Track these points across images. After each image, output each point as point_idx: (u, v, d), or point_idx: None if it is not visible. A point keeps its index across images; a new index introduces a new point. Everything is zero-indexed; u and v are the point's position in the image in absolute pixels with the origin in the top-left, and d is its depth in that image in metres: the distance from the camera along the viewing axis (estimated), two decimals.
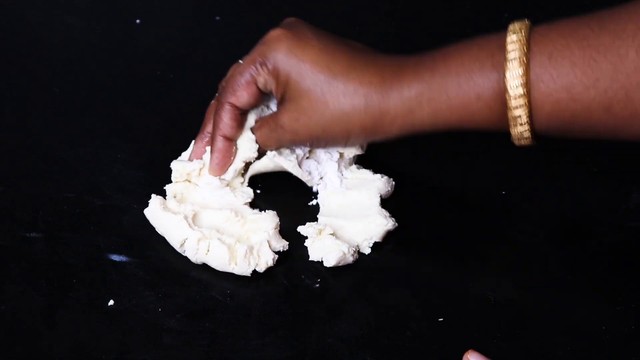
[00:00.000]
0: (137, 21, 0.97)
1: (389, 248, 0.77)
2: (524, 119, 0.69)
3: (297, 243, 0.78)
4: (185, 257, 0.76)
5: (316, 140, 0.76)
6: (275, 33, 0.76)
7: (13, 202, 0.81)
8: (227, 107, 0.77)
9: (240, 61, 0.77)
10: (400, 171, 0.82)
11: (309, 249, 0.76)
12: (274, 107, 0.80)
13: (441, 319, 0.73)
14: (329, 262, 0.75)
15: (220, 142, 0.78)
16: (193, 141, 0.81)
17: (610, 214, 0.78)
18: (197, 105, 0.88)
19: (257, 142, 0.78)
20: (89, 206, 0.80)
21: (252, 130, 0.79)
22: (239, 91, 0.77)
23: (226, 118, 0.78)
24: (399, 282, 0.75)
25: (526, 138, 0.70)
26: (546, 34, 0.69)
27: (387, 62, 0.74)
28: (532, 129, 0.70)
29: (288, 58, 0.74)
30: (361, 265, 0.76)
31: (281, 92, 0.75)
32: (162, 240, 0.78)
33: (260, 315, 0.73)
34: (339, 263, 0.76)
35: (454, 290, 0.74)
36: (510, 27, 0.70)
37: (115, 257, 0.77)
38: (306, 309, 0.74)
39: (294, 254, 0.77)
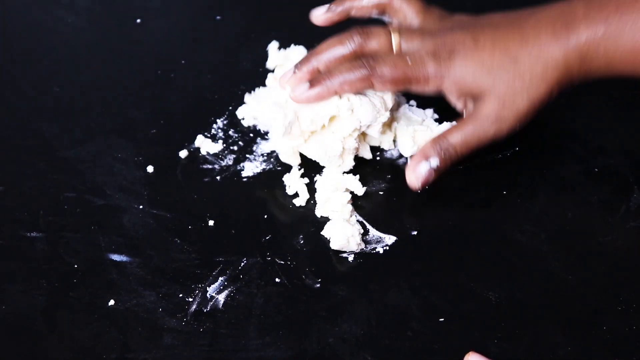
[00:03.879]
0: (138, 21, 0.97)
1: (389, 248, 0.77)
2: None
3: (297, 242, 0.78)
4: (186, 257, 0.76)
5: (525, 115, 0.78)
6: (436, 55, 0.78)
7: (14, 201, 0.81)
8: (366, 84, 0.79)
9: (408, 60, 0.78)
10: (400, 171, 0.82)
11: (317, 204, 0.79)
12: None
13: (442, 319, 0.73)
14: (334, 245, 0.77)
15: (331, 86, 0.79)
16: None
17: (611, 214, 0.78)
18: (198, 104, 0.88)
19: (450, 145, 0.78)
20: (90, 206, 0.80)
21: (441, 136, 0.78)
22: (392, 85, 0.79)
23: (359, 84, 0.79)
24: (399, 282, 0.75)
25: None
26: None
27: (551, 17, 0.77)
28: None
29: (466, 70, 0.77)
30: (362, 265, 0.76)
31: (467, 92, 0.78)
32: (163, 239, 0.78)
33: (260, 315, 0.73)
34: (342, 248, 0.76)
35: (454, 290, 0.74)
36: None
37: (116, 257, 0.77)
38: (307, 309, 0.74)
39: (294, 253, 0.77)
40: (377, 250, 0.77)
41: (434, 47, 0.78)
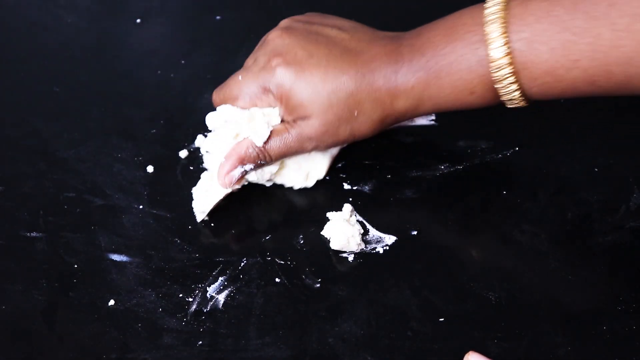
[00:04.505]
0: (138, 21, 0.97)
1: (389, 248, 0.77)
2: (517, 99, 0.73)
3: (297, 242, 0.78)
4: (186, 257, 0.76)
5: (345, 142, 0.79)
6: (268, 65, 0.77)
7: (13, 201, 0.81)
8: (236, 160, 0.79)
9: (239, 77, 0.79)
10: (400, 171, 0.82)
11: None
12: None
13: (442, 319, 0.73)
14: (334, 245, 0.77)
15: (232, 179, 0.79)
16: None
17: (611, 214, 0.78)
18: (198, 104, 0.88)
19: (266, 153, 0.78)
20: (90, 206, 0.80)
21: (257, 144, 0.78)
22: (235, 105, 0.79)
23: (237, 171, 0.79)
24: (399, 282, 0.75)
25: (521, 105, 0.74)
26: (523, 18, 0.71)
27: (384, 58, 0.76)
28: (526, 100, 0.74)
29: (296, 84, 0.76)
30: (362, 265, 0.76)
31: (293, 114, 0.77)
32: (163, 239, 0.78)
33: (260, 314, 0.73)
34: (342, 248, 0.76)
35: (454, 290, 0.74)
36: (487, 12, 0.72)
37: (116, 257, 0.77)
38: (307, 309, 0.74)
39: (294, 253, 0.77)
40: (377, 250, 0.77)
41: (264, 58, 0.78)
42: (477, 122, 0.84)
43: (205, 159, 0.82)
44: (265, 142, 0.77)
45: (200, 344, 0.72)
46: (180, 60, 0.93)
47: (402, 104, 0.76)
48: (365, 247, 0.77)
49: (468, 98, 0.74)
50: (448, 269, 0.76)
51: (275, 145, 0.78)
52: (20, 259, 0.77)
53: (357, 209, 0.80)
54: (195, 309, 0.74)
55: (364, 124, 0.77)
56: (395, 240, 0.78)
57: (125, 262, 0.77)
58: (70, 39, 0.96)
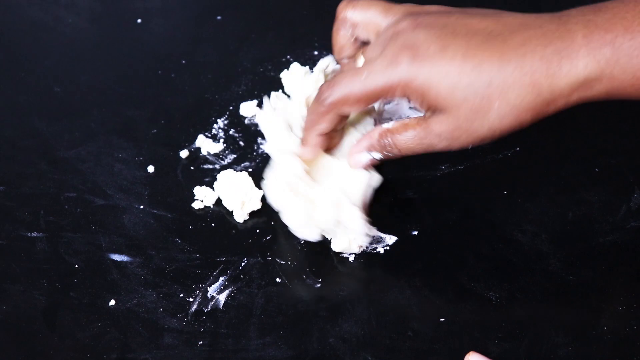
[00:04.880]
0: (138, 21, 0.97)
1: (389, 248, 0.77)
2: None
3: (298, 242, 0.78)
4: (186, 257, 0.77)
5: (481, 141, 0.70)
6: (398, 59, 0.69)
7: (14, 201, 0.81)
8: (332, 115, 0.73)
9: (364, 73, 0.71)
10: (401, 171, 0.82)
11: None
12: None
13: (442, 319, 0.73)
14: (335, 247, 0.77)
15: (314, 139, 0.75)
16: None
17: (612, 214, 0.78)
18: (198, 104, 0.88)
19: (395, 146, 0.73)
20: (90, 206, 0.80)
21: (387, 132, 0.73)
22: (355, 106, 0.72)
23: (328, 123, 0.74)
24: (400, 282, 0.75)
25: None
26: None
27: (543, 38, 0.67)
28: None
29: (430, 79, 0.68)
30: (362, 265, 0.76)
31: (429, 105, 0.70)
32: (163, 239, 0.78)
33: (261, 315, 0.73)
34: (344, 251, 0.76)
35: (454, 290, 0.75)
36: None
37: (116, 257, 0.77)
38: (307, 309, 0.74)
39: (295, 253, 0.77)
40: (377, 250, 0.77)
41: (393, 52, 0.69)
42: None
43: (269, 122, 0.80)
44: (395, 135, 0.73)
45: (201, 344, 0.72)
46: (181, 60, 0.93)
47: (567, 85, 0.67)
48: (366, 247, 0.77)
49: None
50: (448, 269, 0.76)
51: (404, 139, 0.72)
52: (21, 259, 0.77)
53: None
54: (195, 309, 0.74)
55: (507, 116, 0.68)
56: (396, 240, 0.78)
57: (126, 262, 0.77)
58: (71, 39, 0.96)
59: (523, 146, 0.84)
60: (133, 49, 0.95)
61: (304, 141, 0.76)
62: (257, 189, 0.80)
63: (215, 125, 0.86)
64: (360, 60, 0.77)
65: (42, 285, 0.75)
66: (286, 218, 0.77)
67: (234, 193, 0.79)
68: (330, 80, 0.73)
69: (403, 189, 0.81)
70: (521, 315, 0.73)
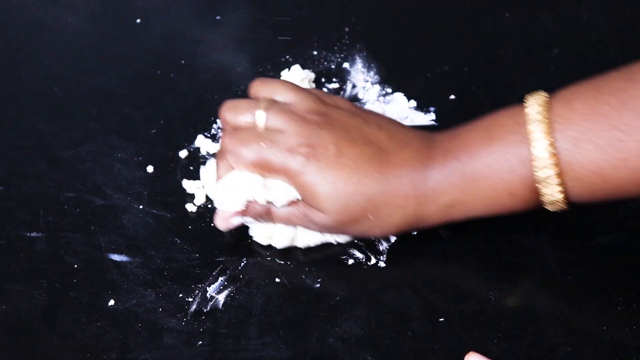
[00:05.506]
0: (138, 21, 0.97)
1: (389, 248, 0.77)
2: (560, 204, 0.71)
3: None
4: (186, 257, 0.76)
5: (350, 235, 0.77)
6: (295, 150, 0.73)
7: (14, 201, 0.81)
8: (224, 165, 0.76)
9: (262, 144, 0.74)
10: None
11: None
12: None
13: (442, 319, 0.73)
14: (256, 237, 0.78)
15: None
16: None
17: (611, 214, 0.78)
18: (198, 104, 0.88)
19: (273, 216, 0.76)
20: (90, 206, 0.80)
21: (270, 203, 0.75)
22: (248, 168, 0.75)
23: (222, 171, 0.76)
24: (399, 282, 0.75)
25: (562, 209, 0.72)
26: (567, 117, 0.69)
27: (414, 163, 0.73)
28: (568, 204, 0.71)
29: (318, 180, 0.72)
30: (361, 265, 0.76)
31: (309, 202, 0.74)
32: (163, 239, 0.78)
33: (260, 315, 0.73)
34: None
35: (454, 290, 0.74)
36: (528, 111, 0.70)
37: (116, 257, 0.77)
38: (307, 309, 0.74)
39: (295, 253, 0.77)
40: (377, 250, 0.77)
41: (296, 141, 0.73)
42: None
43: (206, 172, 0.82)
44: (274, 209, 0.75)
45: (201, 344, 0.72)
46: (180, 61, 0.93)
47: (429, 211, 0.73)
48: (366, 247, 0.77)
49: (506, 201, 0.72)
50: (448, 269, 0.76)
51: (282, 212, 0.75)
52: (21, 259, 0.77)
53: None
54: (195, 309, 0.74)
55: (376, 228, 0.74)
56: (395, 240, 0.78)
57: (126, 262, 0.77)
58: (71, 39, 0.96)
59: None
60: (133, 49, 0.95)
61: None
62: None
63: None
64: (259, 116, 0.76)
65: (42, 285, 0.75)
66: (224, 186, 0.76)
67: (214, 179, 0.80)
68: (233, 133, 0.75)
69: None
70: (521, 315, 0.73)
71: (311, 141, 0.73)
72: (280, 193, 0.74)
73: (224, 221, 0.76)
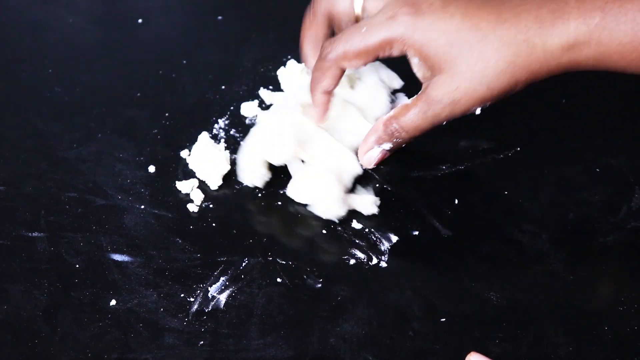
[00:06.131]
0: (139, 21, 0.97)
1: (390, 248, 0.77)
2: None
3: (299, 242, 0.78)
4: (187, 257, 0.77)
5: (481, 102, 0.72)
6: (397, 15, 0.71)
7: (15, 201, 0.81)
8: (334, 70, 0.74)
9: (363, 28, 0.72)
10: (402, 171, 0.82)
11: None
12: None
13: (443, 319, 0.73)
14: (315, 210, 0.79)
15: (320, 97, 0.77)
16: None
17: (613, 214, 0.78)
18: (199, 104, 0.88)
19: (401, 129, 0.74)
20: (91, 206, 0.80)
21: (391, 119, 0.74)
22: (354, 60, 0.73)
23: (330, 78, 0.75)
24: (400, 282, 0.75)
25: None
26: None
27: (537, 1, 0.70)
28: None
29: (429, 34, 0.70)
30: (362, 265, 0.76)
31: (426, 60, 0.71)
32: (164, 239, 0.78)
33: (262, 314, 0.73)
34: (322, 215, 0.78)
35: (455, 290, 0.75)
36: None
37: (117, 257, 0.77)
38: (308, 309, 0.74)
39: (295, 253, 0.77)
40: (378, 250, 0.77)
41: (394, 6, 0.71)
42: (479, 122, 0.84)
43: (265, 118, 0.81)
44: (399, 118, 0.74)
45: (202, 344, 0.72)
46: (182, 60, 0.93)
47: (558, 46, 0.69)
48: (366, 247, 0.77)
49: None
50: (449, 269, 0.76)
51: (409, 119, 0.73)
52: (22, 259, 0.77)
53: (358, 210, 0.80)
54: (196, 309, 0.74)
55: (503, 73, 0.70)
56: (396, 240, 0.78)
57: (127, 262, 0.77)
58: (71, 39, 0.96)
59: (524, 146, 0.84)
60: (133, 49, 0.95)
61: (312, 102, 0.77)
62: (226, 151, 0.82)
63: (216, 125, 0.86)
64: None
65: (43, 285, 0.75)
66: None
67: (203, 160, 0.80)
68: (332, 38, 0.74)
69: (404, 188, 0.81)
70: (522, 316, 0.73)
71: (411, 1, 0.71)
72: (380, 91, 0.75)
73: (362, 155, 0.77)
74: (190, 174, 0.82)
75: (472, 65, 0.70)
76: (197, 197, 0.81)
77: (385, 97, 0.82)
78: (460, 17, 0.70)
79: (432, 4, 0.71)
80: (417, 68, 0.74)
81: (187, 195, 0.81)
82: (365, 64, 0.74)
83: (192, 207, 0.80)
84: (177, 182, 0.82)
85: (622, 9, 0.68)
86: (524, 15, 0.69)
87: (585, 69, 0.71)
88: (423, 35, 0.70)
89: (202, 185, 0.81)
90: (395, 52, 0.72)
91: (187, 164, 0.83)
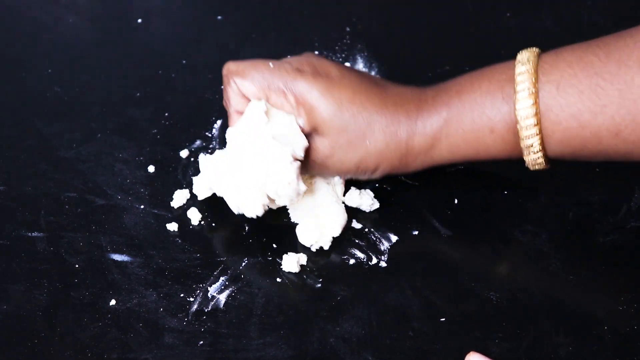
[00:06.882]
0: (139, 21, 0.97)
1: (390, 248, 0.77)
2: (537, 147, 0.72)
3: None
4: (187, 257, 0.77)
5: (344, 174, 0.78)
6: (302, 69, 0.75)
7: (15, 201, 0.81)
8: (232, 92, 0.77)
9: (270, 64, 0.75)
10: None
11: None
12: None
13: (443, 319, 0.73)
14: (303, 240, 0.77)
15: (234, 116, 0.78)
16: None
17: (613, 214, 0.78)
18: (199, 104, 0.88)
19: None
20: (91, 205, 0.80)
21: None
22: (250, 87, 0.76)
23: (229, 100, 0.77)
24: (400, 282, 0.75)
25: (540, 163, 0.73)
26: (554, 64, 0.71)
27: (409, 96, 0.76)
28: (545, 155, 0.72)
29: (324, 97, 0.74)
30: (362, 265, 0.76)
31: (312, 122, 0.75)
32: (164, 239, 0.78)
33: (261, 314, 0.73)
34: (313, 245, 0.77)
35: (455, 290, 0.75)
36: (519, 57, 0.72)
37: (117, 257, 0.77)
38: (308, 309, 0.74)
39: (295, 253, 0.77)
40: (378, 249, 0.77)
41: (300, 62, 0.76)
42: None
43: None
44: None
45: (202, 344, 0.72)
46: (181, 60, 0.93)
47: (417, 143, 0.74)
48: (366, 247, 0.77)
49: (487, 139, 0.73)
50: (449, 269, 0.76)
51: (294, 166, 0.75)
52: (22, 259, 0.77)
53: (359, 208, 0.80)
54: (196, 308, 0.74)
55: (371, 156, 0.75)
56: (396, 240, 0.78)
57: (127, 262, 0.77)
58: (71, 39, 0.96)
59: None
60: (133, 49, 0.95)
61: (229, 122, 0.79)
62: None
63: (215, 125, 0.86)
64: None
65: (43, 285, 0.75)
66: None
67: (209, 191, 0.80)
68: (238, 61, 0.77)
69: (403, 188, 0.81)
70: (522, 315, 0.73)
71: (314, 63, 0.75)
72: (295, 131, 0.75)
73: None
74: (190, 175, 0.82)
75: (350, 141, 0.74)
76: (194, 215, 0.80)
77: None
78: (353, 92, 0.74)
79: (331, 72, 0.75)
80: (302, 119, 0.76)
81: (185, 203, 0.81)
82: (255, 97, 0.76)
83: (195, 216, 0.80)
84: (175, 191, 0.81)
85: (461, 101, 0.73)
86: (399, 107, 0.75)
87: (442, 163, 0.76)
88: (318, 96, 0.74)
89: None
90: (287, 103, 0.75)
91: (187, 164, 0.83)
